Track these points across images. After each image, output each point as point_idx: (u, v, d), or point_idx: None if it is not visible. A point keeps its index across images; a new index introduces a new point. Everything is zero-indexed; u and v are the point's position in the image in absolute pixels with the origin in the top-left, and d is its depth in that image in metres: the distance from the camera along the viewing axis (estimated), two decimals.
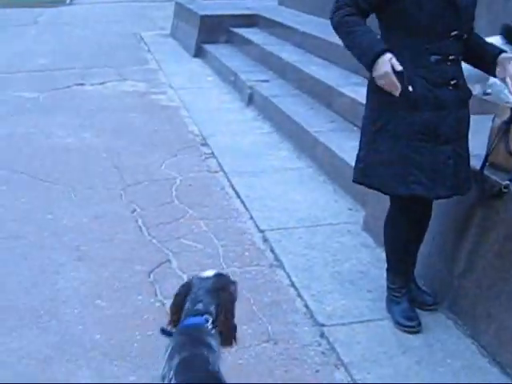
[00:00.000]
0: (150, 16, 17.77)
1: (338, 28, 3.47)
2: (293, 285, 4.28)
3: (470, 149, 3.70)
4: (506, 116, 3.66)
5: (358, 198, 5.30)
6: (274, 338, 3.78)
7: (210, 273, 2.84)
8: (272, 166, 6.53)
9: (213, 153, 6.99)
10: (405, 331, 3.80)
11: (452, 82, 3.48)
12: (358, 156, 3.73)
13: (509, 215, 3.59)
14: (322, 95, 7.72)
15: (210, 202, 5.72)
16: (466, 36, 3.48)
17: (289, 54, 9.57)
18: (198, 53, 12.26)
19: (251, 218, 5.22)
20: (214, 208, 5.58)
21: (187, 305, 2.75)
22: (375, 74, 3.34)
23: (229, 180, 6.20)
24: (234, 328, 2.79)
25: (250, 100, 8.77)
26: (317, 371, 3.53)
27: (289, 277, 4.24)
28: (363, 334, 3.80)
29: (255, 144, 7.27)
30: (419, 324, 3.81)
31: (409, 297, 3.91)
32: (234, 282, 2.89)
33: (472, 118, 3.67)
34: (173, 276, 4.44)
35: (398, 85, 3.31)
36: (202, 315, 2.69)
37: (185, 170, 6.47)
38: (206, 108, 8.77)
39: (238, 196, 5.82)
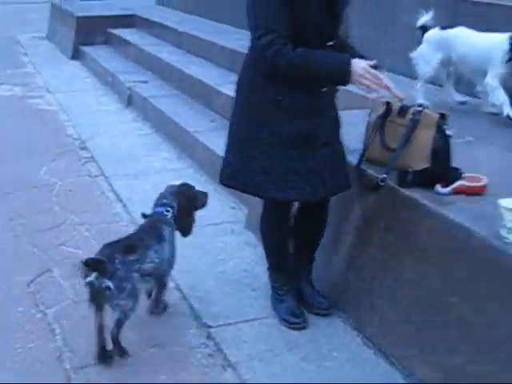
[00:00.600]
0: (26, 18, 17.25)
1: (290, 64, 3.35)
2: (178, 287, 4.23)
3: (349, 144, 3.75)
4: (381, 111, 3.72)
5: (240, 196, 5.30)
6: (160, 343, 3.72)
7: (177, 182, 3.97)
8: (153, 168, 6.47)
9: (92, 156, 6.86)
10: (290, 328, 3.82)
11: (323, 90, 3.55)
12: (226, 159, 3.71)
13: (386, 208, 3.66)
14: (202, 95, 7.71)
15: (91, 206, 5.60)
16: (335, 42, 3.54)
17: (168, 54, 9.51)
18: (76, 55, 12.02)
19: (133, 221, 5.13)
20: (95, 213, 5.46)
21: (156, 200, 3.90)
22: (355, 77, 3.33)
23: (109, 184, 6.09)
24: (190, 222, 3.95)
25: (129, 101, 8.65)
26: (204, 373, 3.49)
27: (173, 280, 4.18)
28: (249, 333, 3.80)
29: (135, 146, 7.18)
30: (305, 320, 3.84)
31: (293, 293, 3.93)
32: (204, 193, 4.06)
33: (351, 112, 3.73)
34: (54, 285, 4.32)
35: (382, 75, 3.35)
36: (165, 207, 3.82)
37: (64, 175, 6.31)
38: (85, 111, 8.59)
39: (120, 199, 5.72)
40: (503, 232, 2.95)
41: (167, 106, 7.74)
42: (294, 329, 3.81)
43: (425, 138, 3.50)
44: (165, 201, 3.84)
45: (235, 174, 3.65)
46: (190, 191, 3.96)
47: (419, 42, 5.09)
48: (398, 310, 3.52)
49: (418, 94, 5.03)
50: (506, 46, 4.37)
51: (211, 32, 9.58)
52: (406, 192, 3.53)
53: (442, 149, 3.50)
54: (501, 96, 4.39)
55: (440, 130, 3.51)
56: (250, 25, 3.45)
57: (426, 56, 5.00)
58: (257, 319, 3.93)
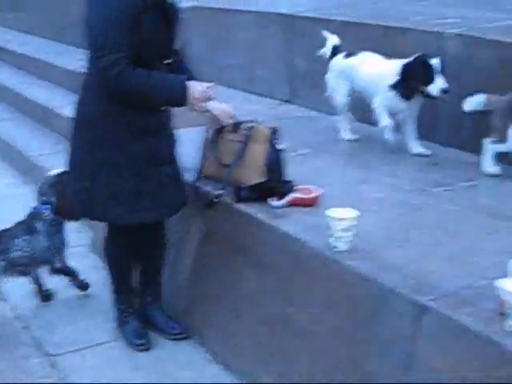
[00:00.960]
0: None
1: (132, 87, 3.34)
2: (17, 317, 4.10)
3: (188, 161, 3.78)
4: (216, 127, 3.76)
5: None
6: (2, 376, 3.59)
7: (55, 171, 4.15)
8: None
9: None
10: (136, 349, 3.78)
11: (163, 108, 3.58)
12: (76, 190, 3.63)
13: (224, 224, 3.70)
14: (44, 117, 7.54)
15: None
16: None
17: (8, 76, 9.25)
18: None
19: None
20: None
21: (37, 195, 4.15)
22: (190, 101, 3.41)
23: None
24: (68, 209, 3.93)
25: None
26: None
27: (13, 309, 4.06)
28: (95, 358, 3.73)
29: None
30: (149, 341, 3.81)
31: (138, 315, 3.90)
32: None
33: (189, 129, 3.76)
34: None
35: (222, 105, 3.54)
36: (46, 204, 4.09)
37: None
38: None
39: None
40: (332, 241, 3.03)
41: (9, 130, 7.55)
42: (140, 350, 3.78)
43: (257, 152, 3.57)
44: (44, 198, 4.12)
45: (84, 203, 3.60)
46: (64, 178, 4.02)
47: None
48: (242, 324, 3.55)
49: (340, 127, 4.83)
50: (394, 73, 4.28)
51: (53, 53, 9.38)
52: (242, 207, 3.58)
53: (274, 163, 3.57)
54: (384, 120, 4.37)
55: (271, 144, 3.57)
56: (89, 44, 3.40)
57: (334, 86, 4.78)
58: (104, 343, 3.87)
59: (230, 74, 6.54)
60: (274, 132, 3.62)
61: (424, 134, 4.52)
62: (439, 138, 4.61)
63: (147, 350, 3.79)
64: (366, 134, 4.79)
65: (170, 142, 3.67)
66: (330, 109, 5.04)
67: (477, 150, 4.05)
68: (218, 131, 3.75)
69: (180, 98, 3.42)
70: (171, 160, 3.66)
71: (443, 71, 4.11)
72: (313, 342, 3.12)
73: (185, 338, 3.87)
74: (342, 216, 3.03)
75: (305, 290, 3.17)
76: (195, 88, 3.42)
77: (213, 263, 3.77)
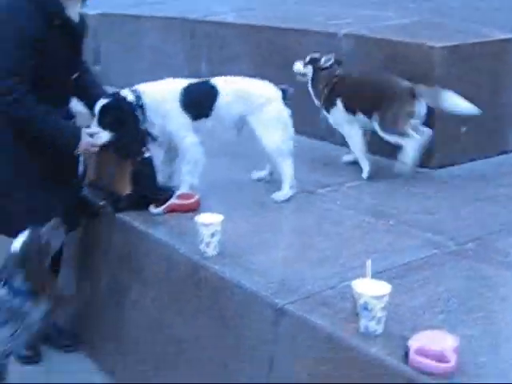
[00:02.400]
0: None
1: (27, 120, 3.30)
2: None
3: None
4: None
5: None
6: None
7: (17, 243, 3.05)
8: None
9: None
10: (24, 363, 3.69)
11: None
12: None
13: (106, 234, 3.65)
14: None
15: None
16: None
17: None
18: None
19: None
20: None
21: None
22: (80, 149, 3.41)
23: None
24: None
25: None
26: None
27: None
28: None
29: None
30: (38, 353, 3.73)
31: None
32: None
33: None
34: None
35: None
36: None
37: None
38: None
39: None
40: (202, 247, 3.00)
41: None
42: (28, 363, 3.69)
43: (125, 162, 3.51)
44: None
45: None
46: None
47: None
48: (125, 332, 3.51)
49: None
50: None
51: None
52: (122, 216, 3.53)
53: (144, 171, 3.52)
54: None
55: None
56: None
57: None
58: None
59: (138, 80, 6.45)
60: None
61: (322, 136, 4.53)
62: (335, 138, 4.61)
63: (36, 362, 3.71)
64: None
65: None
66: None
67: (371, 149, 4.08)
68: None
69: (69, 146, 3.42)
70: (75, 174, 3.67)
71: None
72: (187, 346, 3.09)
73: (74, 350, 3.80)
74: (208, 221, 2.99)
75: (178, 296, 3.14)
76: (85, 139, 3.42)
77: (97, 273, 3.72)
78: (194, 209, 3.49)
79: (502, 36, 4.62)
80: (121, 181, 3.51)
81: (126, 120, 3.48)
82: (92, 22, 6.77)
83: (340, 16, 5.25)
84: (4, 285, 2.99)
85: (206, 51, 5.68)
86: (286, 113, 3.72)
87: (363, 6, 5.95)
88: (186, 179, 3.64)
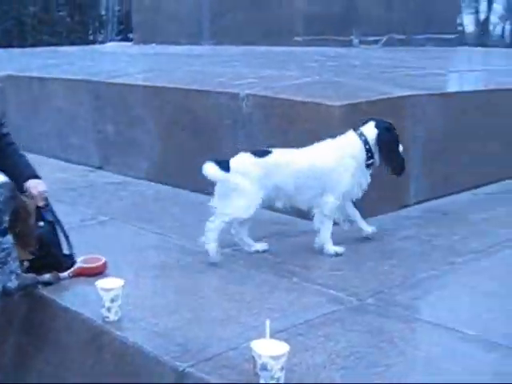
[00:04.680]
0: None
1: None
2: None
3: None
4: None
5: None
6: None
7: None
8: None
9: None
10: None
11: None
12: None
13: (12, 301, 3.57)
14: None
15: None
16: None
17: None
18: None
19: None
20: None
21: None
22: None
23: None
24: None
25: None
26: None
27: None
28: None
29: None
30: None
31: None
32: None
33: None
34: None
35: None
36: None
37: None
38: None
39: None
40: (103, 311, 2.98)
41: None
42: None
43: (27, 227, 3.46)
44: None
45: None
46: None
47: None
48: None
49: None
50: None
51: None
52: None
53: (47, 236, 3.48)
54: None
55: (42, 217, 3.49)
56: None
57: None
58: None
59: (46, 142, 6.44)
60: (43, 206, 3.52)
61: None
62: None
63: None
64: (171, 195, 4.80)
65: None
66: (138, 173, 5.05)
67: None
68: None
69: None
70: None
71: None
72: None
73: None
74: (109, 286, 2.98)
75: (82, 362, 3.09)
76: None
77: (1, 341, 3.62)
78: (101, 272, 3.47)
79: (400, 93, 4.79)
80: (23, 246, 3.44)
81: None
82: None
83: (243, 76, 5.35)
84: None
85: (112, 113, 5.70)
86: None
87: (267, 66, 6.09)
88: None
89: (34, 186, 3.49)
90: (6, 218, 3.14)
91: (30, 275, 3.33)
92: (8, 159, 3.65)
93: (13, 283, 3.16)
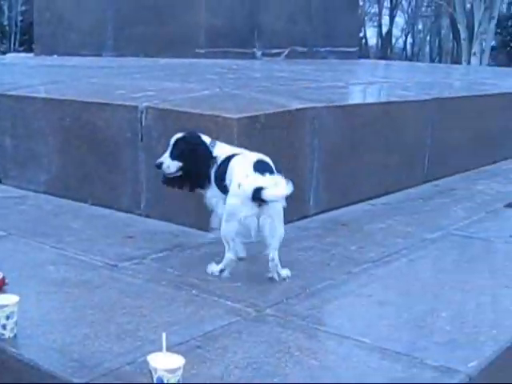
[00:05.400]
0: None
1: None
2: None
3: None
4: None
5: None
6: None
7: None
8: None
9: None
10: None
11: None
12: None
13: None
14: None
15: None
16: None
17: None
18: None
19: None
20: None
21: None
22: None
23: None
24: None
25: None
26: None
27: None
28: None
29: None
30: None
31: None
32: None
33: None
34: None
35: None
36: None
37: None
38: None
39: None
40: None
41: None
42: None
43: None
44: None
45: None
46: None
47: None
48: None
49: None
50: None
51: None
52: None
53: None
54: None
55: None
56: None
57: None
58: None
59: None
60: None
61: (126, 206, 4.55)
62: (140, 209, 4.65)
63: None
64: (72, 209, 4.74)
65: None
66: (38, 187, 4.97)
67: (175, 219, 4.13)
68: None
69: None
70: None
71: None
72: None
73: None
74: (3, 303, 2.92)
75: None
76: None
77: None
78: None
79: (299, 106, 4.87)
80: None
81: (196, 152, 3.71)
82: None
83: (143, 89, 5.34)
84: None
85: (10, 126, 5.59)
86: (246, 211, 3.53)
87: (168, 79, 6.09)
88: None
89: None
90: None
91: None
92: None
93: None
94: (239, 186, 3.47)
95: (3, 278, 3.46)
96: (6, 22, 24.38)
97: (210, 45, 8.88)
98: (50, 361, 2.74)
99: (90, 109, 5.02)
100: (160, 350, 2.54)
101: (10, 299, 2.96)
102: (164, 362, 2.44)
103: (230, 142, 4.21)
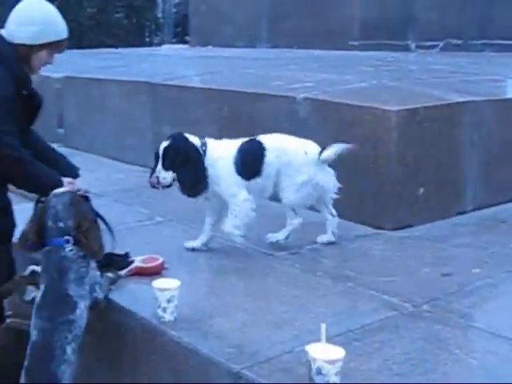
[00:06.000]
0: None
1: (18, 159, 3.40)
2: None
3: None
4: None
5: None
6: None
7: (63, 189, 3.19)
8: None
9: None
10: None
11: None
12: None
13: None
14: None
15: None
16: None
17: None
18: None
19: None
20: None
21: (49, 223, 3.06)
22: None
23: None
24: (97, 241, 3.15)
25: None
26: None
27: None
28: None
29: None
30: None
31: None
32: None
33: None
34: None
35: None
36: (63, 235, 3.03)
37: None
38: None
39: None
40: (160, 312, 3.00)
41: None
42: None
43: (88, 233, 3.48)
44: (61, 225, 3.08)
45: None
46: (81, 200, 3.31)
47: None
48: None
49: None
50: None
51: None
52: None
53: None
54: None
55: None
56: None
57: None
58: None
59: (102, 143, 6.52)
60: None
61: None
62: None
63: None
64: None
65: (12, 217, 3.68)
66: None
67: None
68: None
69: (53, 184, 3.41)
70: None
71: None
72: None
73: None
74: (164, 287, 3.00)
75: (135, 362, 3.12)
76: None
77: None
78: (158, 272, 3.49)
79: (459, 99, 4.74)
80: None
81: (189, 158, 3.64)
82: (56, 84, 6.88)
83: (300, 80, 5.36)
84: None
85: (169, 114, 5.75)
86: (318, 174, 3.81)
87: (323, 70, 6.08)
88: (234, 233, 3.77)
89: (66, 184, 3.49)
90: (71, 225, 3.13)
91: (108, 275, 3.35)
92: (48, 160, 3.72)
93: (98, 294, 3.16)
94: (306, 153, 3.78)
95: (163, 262, 3.57)
96: (160, 15, 25.06)
97: (363, 37, 8.80)
98: (209, 346, 2.79)
99: (248, 99, 5.08)
100: (318, 340, 2.53)
101: (171, 283, 3.03)
102: (323, 352, 2.43)
103: (387, 134, 4.17)
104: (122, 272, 3.49)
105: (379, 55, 7.67)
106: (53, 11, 3.56)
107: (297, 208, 3.86)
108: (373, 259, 3.77)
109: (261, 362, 2.65)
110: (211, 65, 7.48)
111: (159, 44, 21.70)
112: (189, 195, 3.78)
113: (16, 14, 3.51)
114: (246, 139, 3.85)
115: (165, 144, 3.70)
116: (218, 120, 5.19)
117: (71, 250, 3.05)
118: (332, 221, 3.97)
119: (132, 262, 3.54)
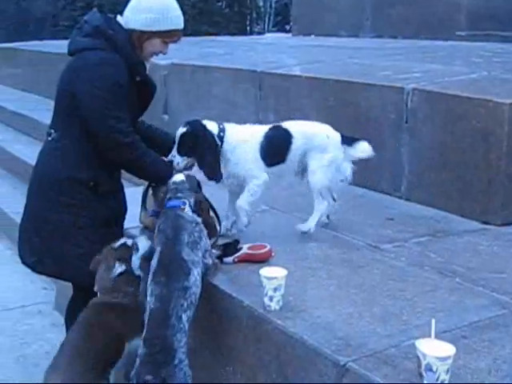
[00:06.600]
0: None
1: (139, 156, 3.56)
2: None
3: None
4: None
5: None
6: None
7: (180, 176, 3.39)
8: None
9: None
10: None
11: None
12: (38, 247, 3.68)
13: None
14: (26, 174, 7.56)
15: None
16: None
17: None
18: None
19: None
20: None
21: (169, 195, 3.29)
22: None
23: None
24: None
25: None
26: None
27: None
28: None
29: None
30: None
31: None
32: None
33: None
34: None
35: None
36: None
37: None
38: None
39: None
40: (266, 300, 3.00)
41: None
42: None
43: (207, 217, 3.53)
44: (180, 194, 3.32)
45: (49, 260, 3.64)
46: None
47: None
48: None
49: None
50: None
51: (37, 109, 9.44)
52: None
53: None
54: None
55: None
56: (90, 115, 3.47)
57: None
58: None
59: None
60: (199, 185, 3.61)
61: (385, 188, 4.53)
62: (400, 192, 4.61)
63: None
64: None
65: (124, 202, 3.82)
66: None
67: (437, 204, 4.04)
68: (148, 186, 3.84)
69: (164, 178, 3.53)
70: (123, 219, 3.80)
71: None
72: None
73: None
74: (272, 275, 3.00)
75: (238, 349, 3.14)
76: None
77: None
78: (265, 259, 3.50)
79: None
80: None
81: (204, 145, 3.63)
82: (162, 71, 6.98)
83: (407, 70, 5.27)
84: None
85: (274, 103, 5.76)
86: (341, 156, 3.84)
87: (430, 61, 5.96)
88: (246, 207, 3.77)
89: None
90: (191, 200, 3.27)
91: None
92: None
93: (208, 260, 3.26)
94: (328, 137, 3.81)
95: (270, 250, 3.57)
96: (261, 3, 25.16)
97: (471, 27, 8.59)
98: (315, 336, 2.78)
99: (354, 89, 5.03)
100: (426, 336, 2.49)
101: (278, 272, 3.03)
102: (433, 349, 2.38)
103: (499, 128, 4.05)
104: (231, 258, 3.52)
105: (488, 46, 7.47)
106: (172, 2, 3.61)
107: (324, 192, 3.84)
108: (481, 255, 3.68)
109: (366, 356, 2.63)
110: (316, 54, 7.44)
111: (260, 33, 21.78)
112: (212, 179, 3.73)
113: (135, 2, 3.58)
114: (270, 125, 3.88)
115: (181, 131, 3.68)
116: (323, 109, 5.16)
117: (187, 212, 3.21)
118: (332, 205, 3.98)
119: (240, 248, 3.55)
